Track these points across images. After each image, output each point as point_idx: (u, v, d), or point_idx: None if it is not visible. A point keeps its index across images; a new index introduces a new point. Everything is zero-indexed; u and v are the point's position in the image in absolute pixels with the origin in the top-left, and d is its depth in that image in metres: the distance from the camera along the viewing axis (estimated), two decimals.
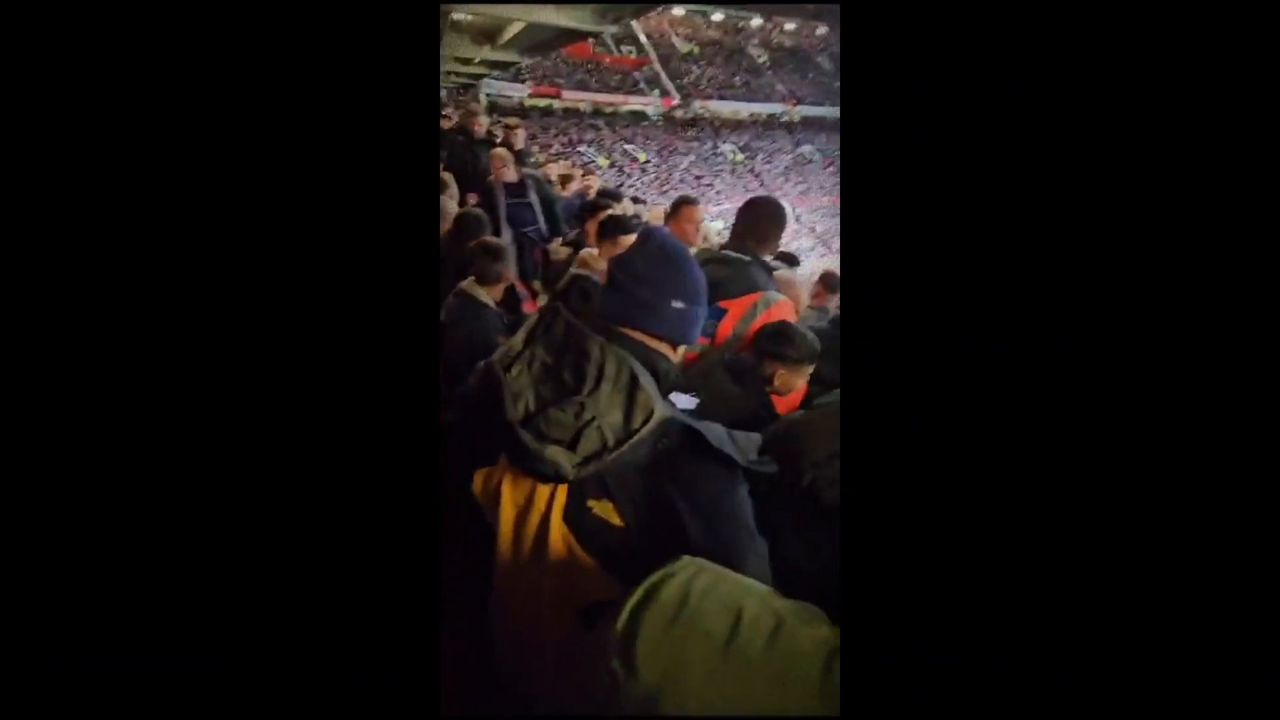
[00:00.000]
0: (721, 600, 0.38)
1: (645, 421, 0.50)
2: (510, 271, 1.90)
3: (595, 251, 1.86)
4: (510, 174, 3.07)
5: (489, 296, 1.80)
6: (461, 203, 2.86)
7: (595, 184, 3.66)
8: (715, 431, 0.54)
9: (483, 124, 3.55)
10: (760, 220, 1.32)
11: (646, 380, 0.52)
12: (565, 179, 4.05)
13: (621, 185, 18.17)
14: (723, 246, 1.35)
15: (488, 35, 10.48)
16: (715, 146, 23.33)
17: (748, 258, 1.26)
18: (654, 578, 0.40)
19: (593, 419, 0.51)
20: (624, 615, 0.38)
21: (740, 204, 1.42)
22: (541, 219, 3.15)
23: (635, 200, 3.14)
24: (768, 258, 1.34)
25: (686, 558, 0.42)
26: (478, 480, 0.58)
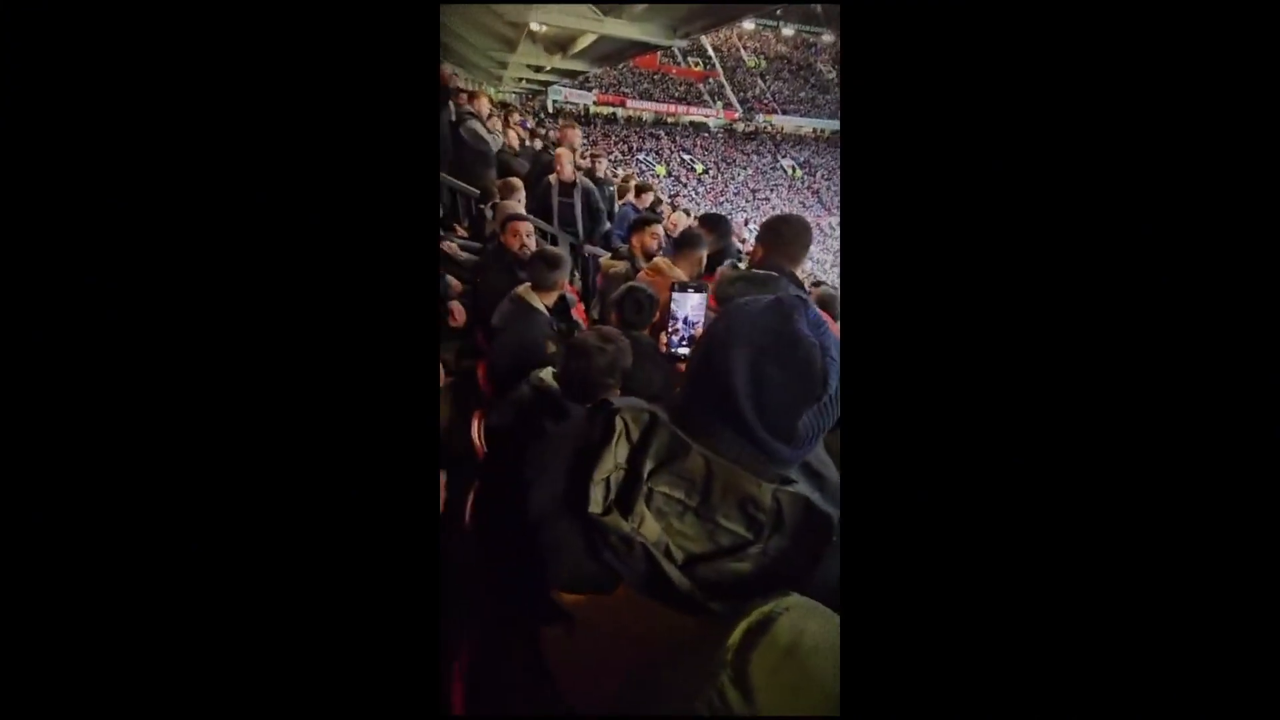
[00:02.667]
0: (836, 654, 0.35)
1: (829, 535, 0.46)
2: (565, 279, 1.94)
3: (669, 261, 1.87)
4: (568, 173, 3.13)
5: (542, 303, 1.85)
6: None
7: (649, 196, 3.72)
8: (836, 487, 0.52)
9: (577, 136, 3.63)
10: (786, 238, 1.38)
11: (820, 499, 0.47)
12: (624, 187, 4.12)
13: (678, 195, 18.26)
14: (751, 265, 1.40)
15: (561, 45, 10.81)
16: (775, 161, 23.06)
17: (775, 273, 1.32)
18: (766, 608, 0.36)
19: (777, 556, 0.46)
20: (738, 634, 0.35)
21: (766, 221, 1.46)
22: (580, 223, 3.19)
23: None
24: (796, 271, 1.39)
25: (795, 595, 0.39)
26: (579, 600, 0.50)
